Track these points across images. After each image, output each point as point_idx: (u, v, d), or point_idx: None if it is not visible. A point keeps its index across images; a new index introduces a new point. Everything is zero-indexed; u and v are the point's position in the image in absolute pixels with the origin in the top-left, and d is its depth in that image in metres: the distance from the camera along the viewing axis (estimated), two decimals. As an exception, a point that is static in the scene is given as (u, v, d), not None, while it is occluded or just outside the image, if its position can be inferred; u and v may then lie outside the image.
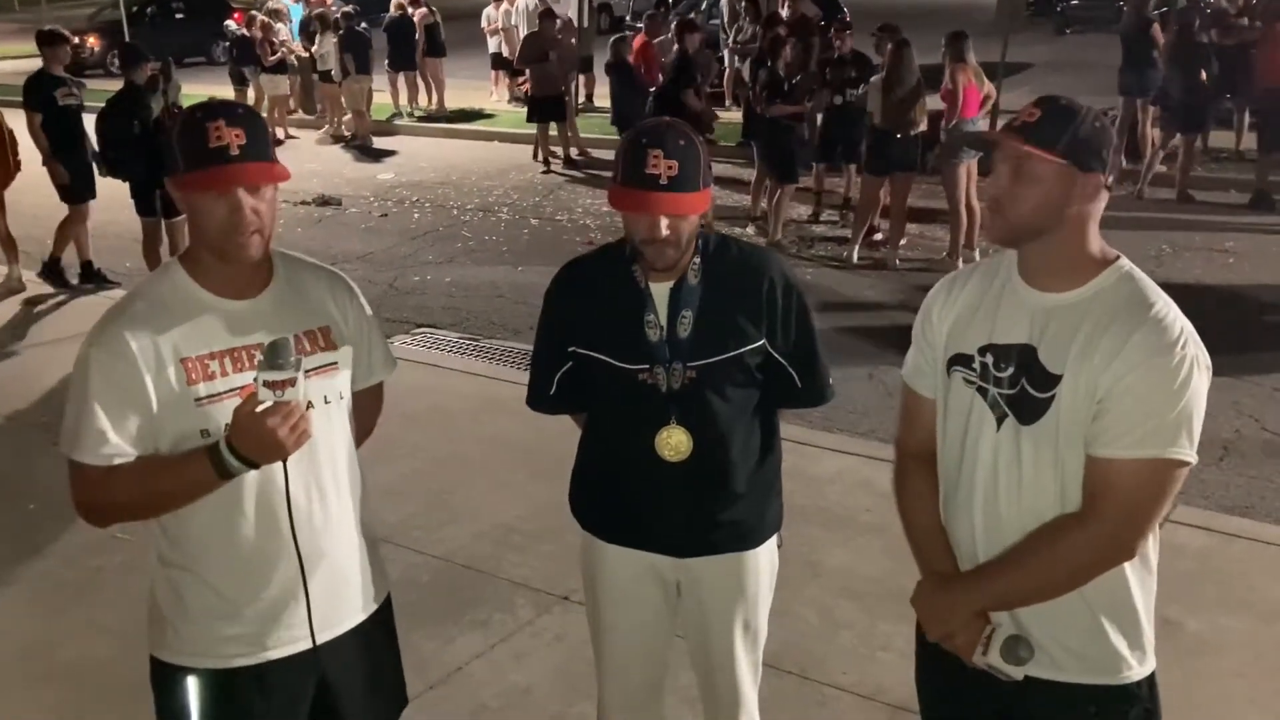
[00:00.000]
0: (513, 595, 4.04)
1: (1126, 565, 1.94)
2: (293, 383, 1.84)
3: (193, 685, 2.07)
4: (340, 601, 2.16)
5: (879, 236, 9.11)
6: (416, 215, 10.83)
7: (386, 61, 15.59)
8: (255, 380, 1.86)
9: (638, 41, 12.91)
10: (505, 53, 16.63)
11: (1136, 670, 2.00)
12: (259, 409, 1.84)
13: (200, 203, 1.92)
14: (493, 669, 3.63)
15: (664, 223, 2.17)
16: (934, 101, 8.70)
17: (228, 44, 16.48)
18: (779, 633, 3.14)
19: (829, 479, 4.84)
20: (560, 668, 3.61)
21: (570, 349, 2.39)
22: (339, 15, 14.89)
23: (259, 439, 1.85)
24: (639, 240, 2.23)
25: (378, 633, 2.27)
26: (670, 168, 2.13)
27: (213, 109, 1.93)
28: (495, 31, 16.51)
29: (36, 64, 9.37)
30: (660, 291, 2.31)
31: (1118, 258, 1.97)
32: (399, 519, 4.45)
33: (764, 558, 2.50)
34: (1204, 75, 10.33)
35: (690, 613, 2.52)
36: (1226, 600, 3.92)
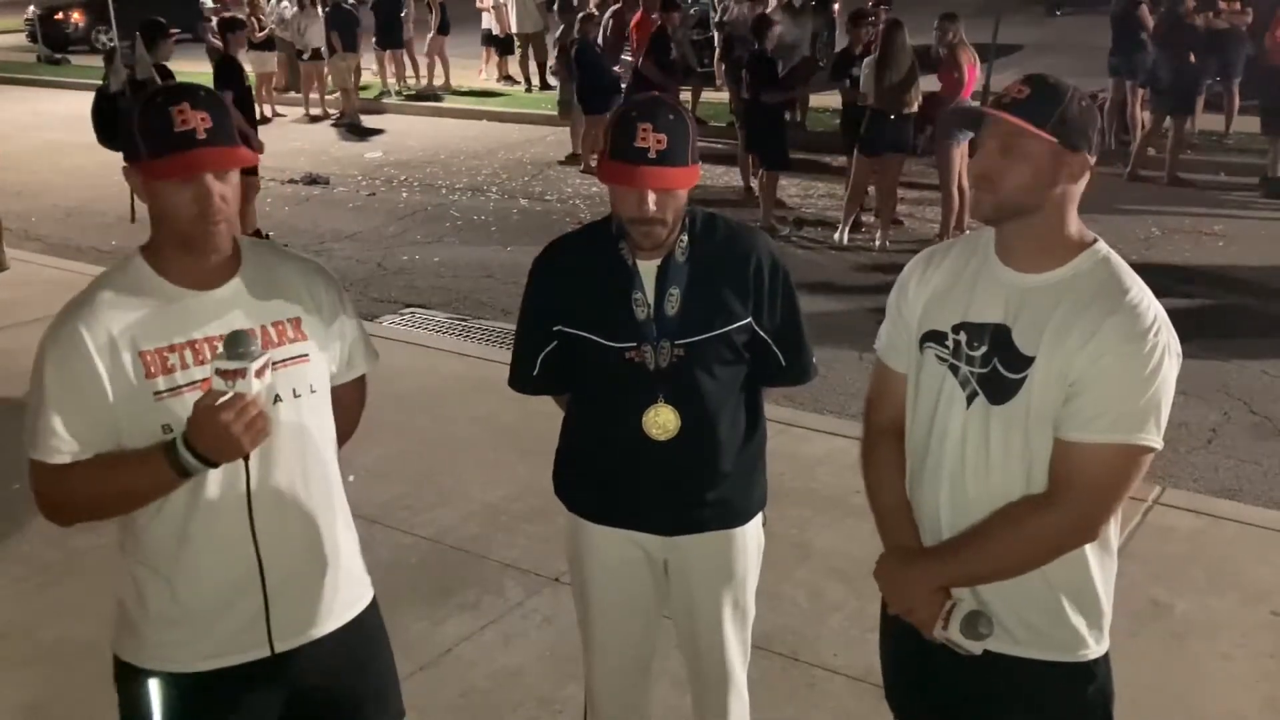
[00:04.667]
0: (502, 577, 4.03)
1: (1087, 546, 1.96)
2: (243, 374, 1.76)
3: (155, 688, 2.00)
4: (305, 608, 2.05)
5: (870, 219, 9.10)
6: (405, 194, 10.76)
7: (374, 39, 15.46)
8: (212, 371, 1.80)
9: (635, 17, 12.86)
10: (496, 31, 16.54)
11: (1094, 649, 2.02)
12: (217, 403, 1.76)
13: (165, 190, 1.84)
14: (482, 651, 3.62)
15: (651, 198, 2.16)
16: (929, 82, 8.68)
17: (207, 20, 16.24)
18: (768, 614, 3.15)
19: (819, 460, 4.83)
20: (550, 650, 3.60)
21: (556, 328, 2.37)
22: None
23: (214, 435, 1.77)
24: (626, 217, 2.21)
25: (358, 640, 2.14)
26: (659, 141, 2.12)
27: (175, 92, 1.86)
28: (487, 9, 16.41)
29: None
30: (648, 269, 2.30)
31: (1095, 240, 1.96)
32: (387, 500, 4.42)
33: (751, 535, 2.50)
34: (1193, 57, 10.32)
35: (678, 592, 2.51)
36: (1215, 582, 3.93)
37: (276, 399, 1.91)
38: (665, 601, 2.55)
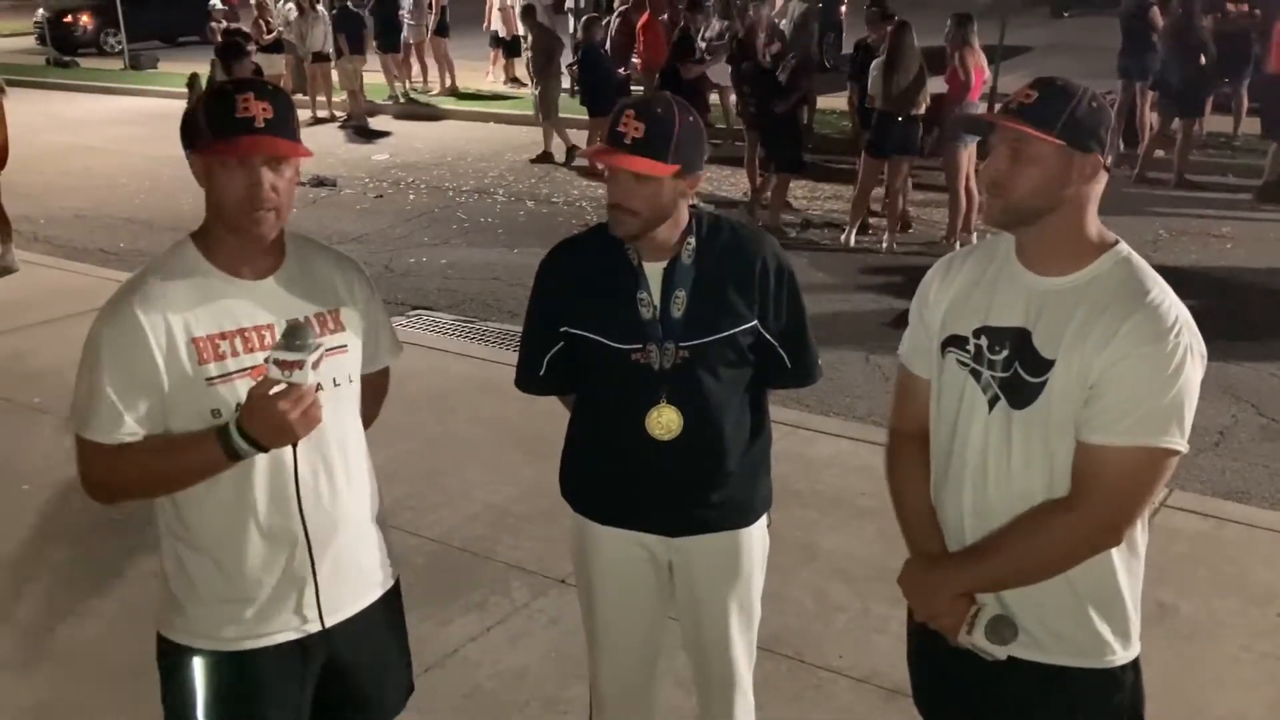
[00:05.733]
0: (508, 578, 4.04)
1: (1114, 551, 1.95)
2: (300, 365, 1.84)
3: (199, 666, 2.07)
4: (349, 585, 2.15)
5: (874, 221, 9.10)
6: (412, 196, 10.79)
7: (375, 43, 15.47)
8: (266, 359, 1.86)
9: (642, 19, 12.88)
10: (503, 33, 16.56)
11: (1121, 655, 2.01)
12: (272, 391, 1.84)
13: (220, 174, 1.91)
14: (488, 651, 3.63)
15: (619, 183, 2.19)
16: (936, 84, 8.66)
17: (214, 24, 16.24)
18: (774, 616, 3.15)
19: (825, 462, 4.84)
20: (556, 650, 3.60)
21: (562, 329, 2.38)
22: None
23: (270, 422, 1.85)
24: (607, 204, 2.24)
25: (385, 617, 2.26)
26: (637, 129, 2.14)
27: (243, 83, 1.95)
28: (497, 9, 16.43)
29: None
30: (654, 271, 2.31)
31: (1116, 242, 1.96)
32: (393, 501, 4.38)
33: (756, 536, 2.50)
34: (1203, 59, 10.30)
35: (683, 593, 2.52)
36: (1220, 584, 3.93)
37: (318, 387, 1.96)
38: (670, 602, 2.56)
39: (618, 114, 2.18)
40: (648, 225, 2.25)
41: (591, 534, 2.49)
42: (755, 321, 2.33)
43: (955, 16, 8.53)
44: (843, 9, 16.21)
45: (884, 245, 8.62)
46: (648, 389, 2.32)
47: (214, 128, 1.89)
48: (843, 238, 8.82)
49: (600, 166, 2.26)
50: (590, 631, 2.60)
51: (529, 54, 12.77)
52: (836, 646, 3.60)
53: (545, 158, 12.19)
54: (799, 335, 2.41)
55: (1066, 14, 23.20)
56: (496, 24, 16.57)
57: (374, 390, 2.28)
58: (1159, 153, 10.62)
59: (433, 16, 16.04)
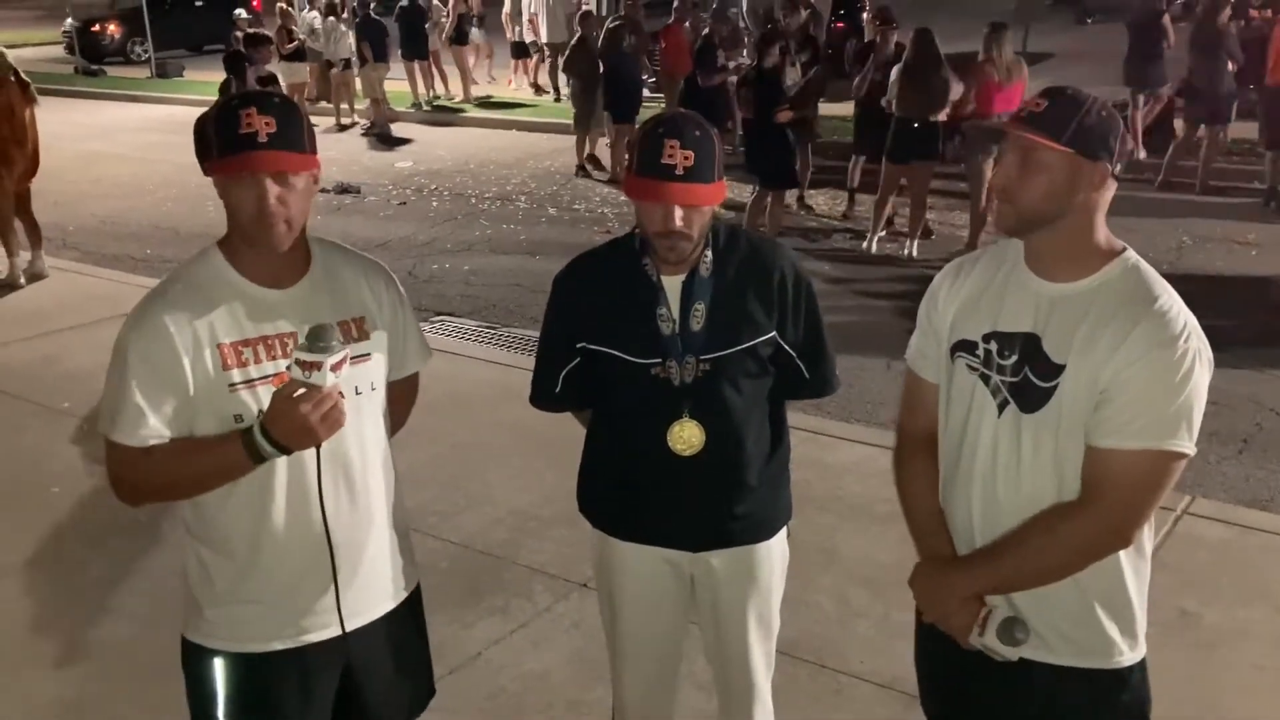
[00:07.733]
0: (530, 581, 4.06)
1: (1121, 553, 1.96)
2: (320, 366, 1.85)
3: (220, 667, 2.10)
4: (369, 590, 2.17)
5: (897, 226, 9.08)
6: (435, 203, 10.85)
7: (400, 51, 15.57)
8: (290, 359, 1.89)
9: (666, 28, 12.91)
10: (529, 38, 16.63)
11: (1128, 655, 2.03)
12: (296, 394, 1.86)
13: (229, 188, 1.94)
14: (511, 654, 3.66)
15: (678, 214, 2.16)
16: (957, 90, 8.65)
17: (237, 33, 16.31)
18: (795, 621, 3.16)
19: (846, 468, 4.84)
20: (577, 653, 3.63)
21: (579, 345, 2.37)
22: (355, 3, 14.92)
23: (292, 423, 1.87)
24: (652, 232, 2.22)
25: (406, 621, 2.28)
26: (686, 158, 2.13)
27: (247, 97, 1.96)
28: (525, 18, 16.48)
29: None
30: (672, 284, 2.30)
31: (1124, 249, 1.98)
32: (416, 505, 4.45)
33: (776, 549, 2.51)
34: (1231, 66, 10.24)
35: (704, 605, 2.52)
36: (1244, 592, 3.91)
37: (339, 395, 1.98)
38: (692, 610, 2.57)
39: (656, 144, 2.14)
40: (698, 244, 2.27)
41: (613, 549, 2.49)
42: (774, 332, 2.33)
43: (991, 25, 8.47)
44: (864, 15, 16.20)
45: (905, 252, 8.61)
46: (668, 404, 2.31)
47: (220, 144, 1.91)
48: (864, 245, 8.82)
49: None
50: (613, 641, 2.61)
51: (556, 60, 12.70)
52: (857, 651, 3.61)
53: (588, 168, 11.98)
54: (817, 346, 2.42)
55: (1090, 20, 23.10)
56: (524, 31, 16.63)
57: (403, 396, 2.30)
58: (1184, 159, 10.56)
59: (449, 24, 16.13)
